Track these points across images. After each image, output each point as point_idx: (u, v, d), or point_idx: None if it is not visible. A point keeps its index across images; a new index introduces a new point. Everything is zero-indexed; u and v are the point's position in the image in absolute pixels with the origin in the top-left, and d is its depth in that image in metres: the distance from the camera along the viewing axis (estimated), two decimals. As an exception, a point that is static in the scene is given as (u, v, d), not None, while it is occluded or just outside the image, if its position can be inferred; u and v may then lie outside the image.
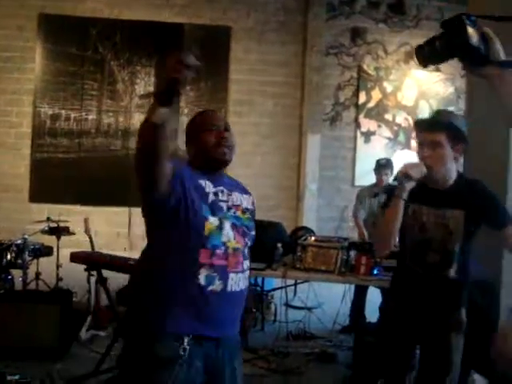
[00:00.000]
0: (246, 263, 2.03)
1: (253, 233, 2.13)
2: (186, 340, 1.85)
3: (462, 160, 2.53)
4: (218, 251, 1.91)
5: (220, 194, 2.02)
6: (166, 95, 1.70)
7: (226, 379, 1.97)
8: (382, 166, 5.31)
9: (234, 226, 1.99)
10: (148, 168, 1.83)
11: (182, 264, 1.89)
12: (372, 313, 4.96)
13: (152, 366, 1.84)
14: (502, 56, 1.34)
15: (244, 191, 2.22)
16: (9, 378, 3.51)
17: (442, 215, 2.43)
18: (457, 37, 1.29)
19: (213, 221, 1.93)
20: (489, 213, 2.44)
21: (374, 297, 5.12)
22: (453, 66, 9.75)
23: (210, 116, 2.12)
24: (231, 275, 1.92)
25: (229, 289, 1.91)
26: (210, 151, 2.03)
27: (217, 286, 1.89)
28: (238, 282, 1.95)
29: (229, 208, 2.02)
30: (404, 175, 2.35)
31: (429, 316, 2.60)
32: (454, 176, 2.44)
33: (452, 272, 2.51)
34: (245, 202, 2.14)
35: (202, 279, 1.87)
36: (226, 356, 1.97)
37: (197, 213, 1.91)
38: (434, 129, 2.29)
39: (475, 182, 2.51)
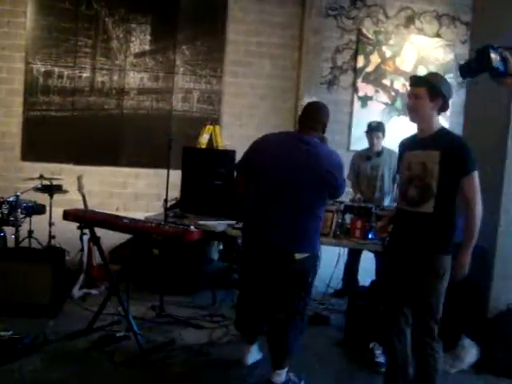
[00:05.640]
0: None
1: None
2: None
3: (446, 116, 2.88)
4: None
5: None
6: None
7: None
8: (374, 128, 5.24)
9: None
10: None
11: None
12: (365, 277, 4.98)
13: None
14: None
15: None
16: (2, 333, 3.51)
17: (422, 155, 2.86)
18: (483, 60, 2.13)
19: None
20: (456, 156, 2.78)
21: (367, 261, 5.14)
22: (453, 32, 9.62)
23: None
24: None
25: None
26: None
27: None
28: None
29: None
30: None
31: (410, 256, 2.90)
32: (437, 127, 2.89)
33: (429, 207, 2.83)
34: None
35: None
36: None
37: None
38: (417, 84, 2.85)
39: (454, 134, 2.92)
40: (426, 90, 2.80)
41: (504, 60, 2.16)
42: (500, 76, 2.18)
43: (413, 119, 2.92)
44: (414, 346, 2.93)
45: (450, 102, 2.88)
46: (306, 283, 3.24)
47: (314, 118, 3.25)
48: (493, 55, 2.14)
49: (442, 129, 2.92)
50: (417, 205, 2.88)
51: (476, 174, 2.79)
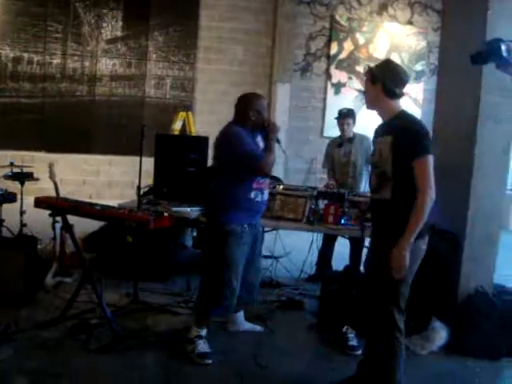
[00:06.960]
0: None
1: None
2: (245, 225, 3.45)
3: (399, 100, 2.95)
4: (261, 180, 3.47)
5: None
6: None
7: (258, 240, 3.69)
8: (344, 115, 5.29)
9: None
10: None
11: (243, 187, 3.42)
12: (339, 262, 5.03)
13: (227, 237, 3.41)
14: None
15: None
16: (-27, 322, 3.47)
17: (380, 141, 2.90)
18: (494, 51, 2.53)
19: None
20: (406, 139, 2.74)
21: (341, 246, 5.19)
22: (426, 20, 9.70)
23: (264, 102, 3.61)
24: (264, 192, 3.54)
25: (264, 199, 3.55)
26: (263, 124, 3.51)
27: (259, 198, 3.48)
28: (266, 195, 3.58)
29: None
30: None
31: (376, 242, 2.96)
32: (395, 112, 2.90)
33: (387, 194, 2.81)
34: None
35: (252, 195, 3.44)
36: (258, 230, 3.67)
37: None
38: (365, 76, 3.06)
39: (410, 118, 2.89)
40: (369, 80, 2.96)
41: (509, 51, 2.54)
42: (506, 65, 2.58)
43: (366, 105, 3.02)
44: (378, 332, 2.87)
45: (409, 87, 2.93)
46: (207, 244, 3.66)
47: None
48: (503, 47, 2.52)
49: (400, 113, 2.89)
50: (376, 192, 2.90)
51: (429, 158, 2.71)
